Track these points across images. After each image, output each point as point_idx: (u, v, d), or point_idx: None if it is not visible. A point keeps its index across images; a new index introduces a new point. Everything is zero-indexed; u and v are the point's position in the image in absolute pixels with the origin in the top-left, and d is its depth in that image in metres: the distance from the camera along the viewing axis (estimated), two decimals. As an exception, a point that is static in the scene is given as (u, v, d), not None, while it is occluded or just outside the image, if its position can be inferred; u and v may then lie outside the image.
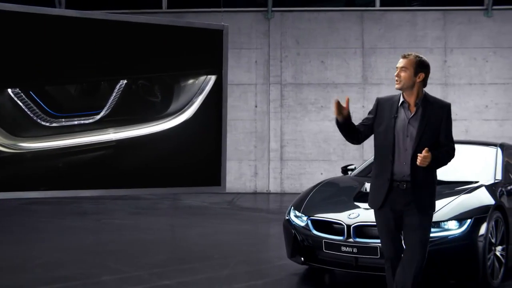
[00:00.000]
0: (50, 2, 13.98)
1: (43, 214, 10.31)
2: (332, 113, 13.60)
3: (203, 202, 12.22)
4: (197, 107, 4.61)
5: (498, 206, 5.56)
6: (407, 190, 4.16)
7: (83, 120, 3.95)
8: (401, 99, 4.25)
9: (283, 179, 13.84)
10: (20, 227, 9.01)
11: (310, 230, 5.57)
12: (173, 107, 4.54)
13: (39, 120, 3.61)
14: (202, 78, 4.64)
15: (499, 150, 6.52)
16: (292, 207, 5.97)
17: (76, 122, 3.91)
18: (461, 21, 13.59)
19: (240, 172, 13.92)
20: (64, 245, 7.47)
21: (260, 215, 10.64)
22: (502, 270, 5.56)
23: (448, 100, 14.17)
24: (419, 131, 4.16)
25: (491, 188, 5.77)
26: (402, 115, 4.23)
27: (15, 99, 3.60)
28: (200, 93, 4.61)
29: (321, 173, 13.32)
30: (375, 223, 5.25)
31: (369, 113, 4.45)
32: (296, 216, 5.82)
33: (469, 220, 5.18)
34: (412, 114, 4.20)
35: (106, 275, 5.93)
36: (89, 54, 4.16)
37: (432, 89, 13.23)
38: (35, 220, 9.59)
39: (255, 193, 13.78)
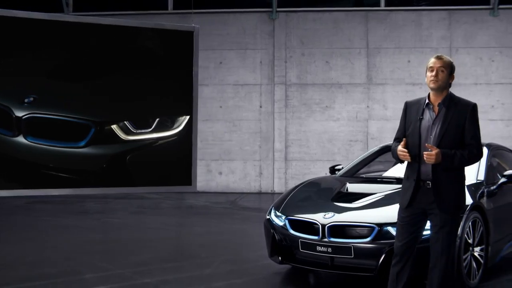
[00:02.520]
0: (58, 6, 14.20)
1: (45, 213, 10.48)
2: (336, 113, 13.69)
3: (206, 201, 12.33)
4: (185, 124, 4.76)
5: (476, 207, 5.54)
6: (431, 189, 4.28)
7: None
8: (427, 101, 4.38)
9: (287, 179, 13.88)
10: (19, 225, 9.19)
11: (287, 230, 5.61)
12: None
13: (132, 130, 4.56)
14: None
15: (485, 150, 6.48)
16: (273, 207, 6.02)
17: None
18: (467, 20, 13.51)
19: (245, 172, 14.00)
20: (56, 243, 7.60)
21: (260, 215, 10.62)
22: (480, 270, 5.55)
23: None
24: (441, 132, 4.28)
25: (471, 189, 5.74)
26: (427, 116, 4.36)
27: (126, 123, 4.52)
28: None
29: (326, 173, 13.30)
30: (350, 223, 5.34)
31: (400, 121, 4.57)
32: (276, 216, 5.86)
33: (443, 220, 5.17)
34: (436, 115, 4.32)
35: (90, 273, 6.02)
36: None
37: (437, 89, 13.19)
38: (35, 219, 9.75)
39: (259, 193, 13.85)
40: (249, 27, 14.03)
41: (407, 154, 4.27)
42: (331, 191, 6.01)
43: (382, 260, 5.06)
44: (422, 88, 13.24)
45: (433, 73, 4.31)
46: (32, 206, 11.16)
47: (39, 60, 4.34)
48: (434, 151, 4.21)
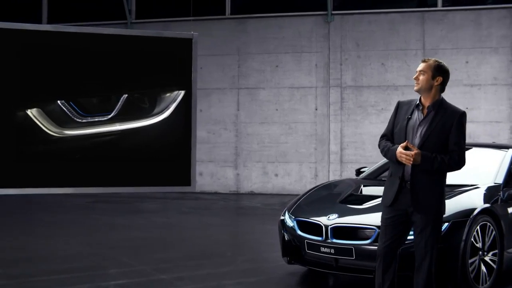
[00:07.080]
0: (122, 14, 14.82)
1: (99, 211, 10.99)
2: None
3: (259, 203, 12.53)
4: (172, 110, 5.00)
5: (486, 210, 5.44)
6: (409, 190, 4.31)
7: (101, 118, 4.89)
8: (417, 102, 4.42)
9: (343, 181, 13.85)
10: (66, 222, 9.70)
11: (295, 231, 5.73)
12: (155, 110, 5.02)
13: (74, 118, 4.79)
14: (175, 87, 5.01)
15: (509, 153, 6.34)
16: (287, 209, 6.14)
17: (96, 119, 4.87)
18: (529, 18, 13.05)
19: (301, 174, 14.10)
20: (93, 240, 8.01)
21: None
22: (492, 275, 5.45)
23: (515, 102, 13.40)
24: (426, 133, 4.30)
25: (484, 192, 5.66)
26: (415, 116, 4.39)
27: (61, 105, 4.74)
28: (175, 101, 4.99)
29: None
30: (352, 225, 5.39)
31: (390, 118, 4.58)
32: (289, 217, 5.98)
33: (446, 224, 5.13)
34: (424, 117, 4.35)
35: (114, 268, 6.36)
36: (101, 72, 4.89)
37: (498, 91, 12.85)
38: (85, 217, 10.25)
39: (315, 195, 13.89)
40: (305, 30, 14.13)
41: (411, 158, 4.22)
42: (343, 193, 6.06)
43: (382, 262, 5.08)
44: (481, 89, 12.90)
45: (415, 76, 4.35)
46: (91, 205, 11.73)
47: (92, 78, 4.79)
48: (414, 151, 4.22)
